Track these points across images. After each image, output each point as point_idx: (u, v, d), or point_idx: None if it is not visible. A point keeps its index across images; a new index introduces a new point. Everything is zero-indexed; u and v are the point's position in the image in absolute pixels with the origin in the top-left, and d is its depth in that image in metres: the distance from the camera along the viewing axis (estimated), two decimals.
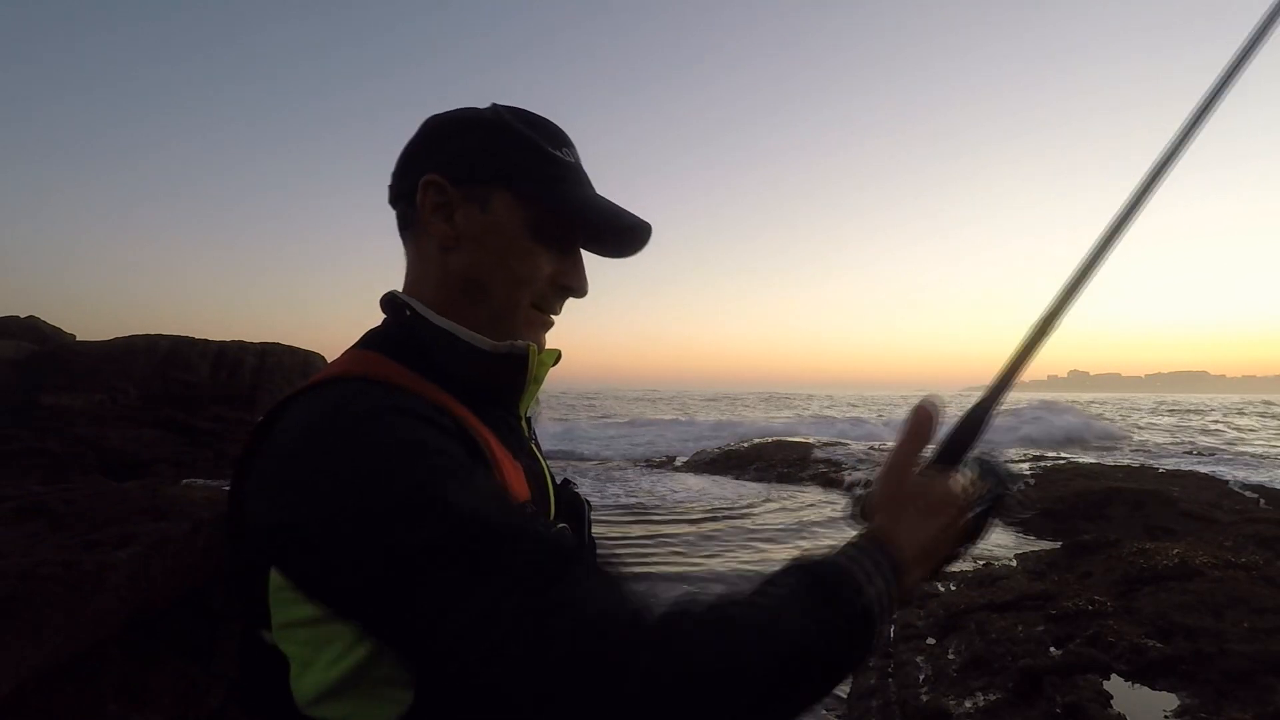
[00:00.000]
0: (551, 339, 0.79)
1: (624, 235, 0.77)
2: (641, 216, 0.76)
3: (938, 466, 0.74)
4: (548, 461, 0.82)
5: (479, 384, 0.70)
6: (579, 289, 0.77)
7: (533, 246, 0.72)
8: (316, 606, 0.55)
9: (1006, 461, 0.79)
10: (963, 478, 0.73)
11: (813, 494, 10.49)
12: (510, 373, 0.72)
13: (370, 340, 0.72)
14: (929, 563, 0.68)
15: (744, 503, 9.57)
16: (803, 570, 0.59)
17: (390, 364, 0.67)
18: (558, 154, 0.73)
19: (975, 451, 0.77)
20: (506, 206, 0.71)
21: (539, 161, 0.72)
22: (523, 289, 0.72)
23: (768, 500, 9.77)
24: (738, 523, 8.15)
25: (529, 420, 0.80)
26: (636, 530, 7.78)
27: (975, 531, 0.75)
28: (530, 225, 0.71)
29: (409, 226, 0.75)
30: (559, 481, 0.82)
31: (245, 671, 0.65)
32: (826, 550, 0.63)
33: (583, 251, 0.78)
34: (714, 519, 8.33)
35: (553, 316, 0.77)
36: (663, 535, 7.46)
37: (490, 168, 0.71)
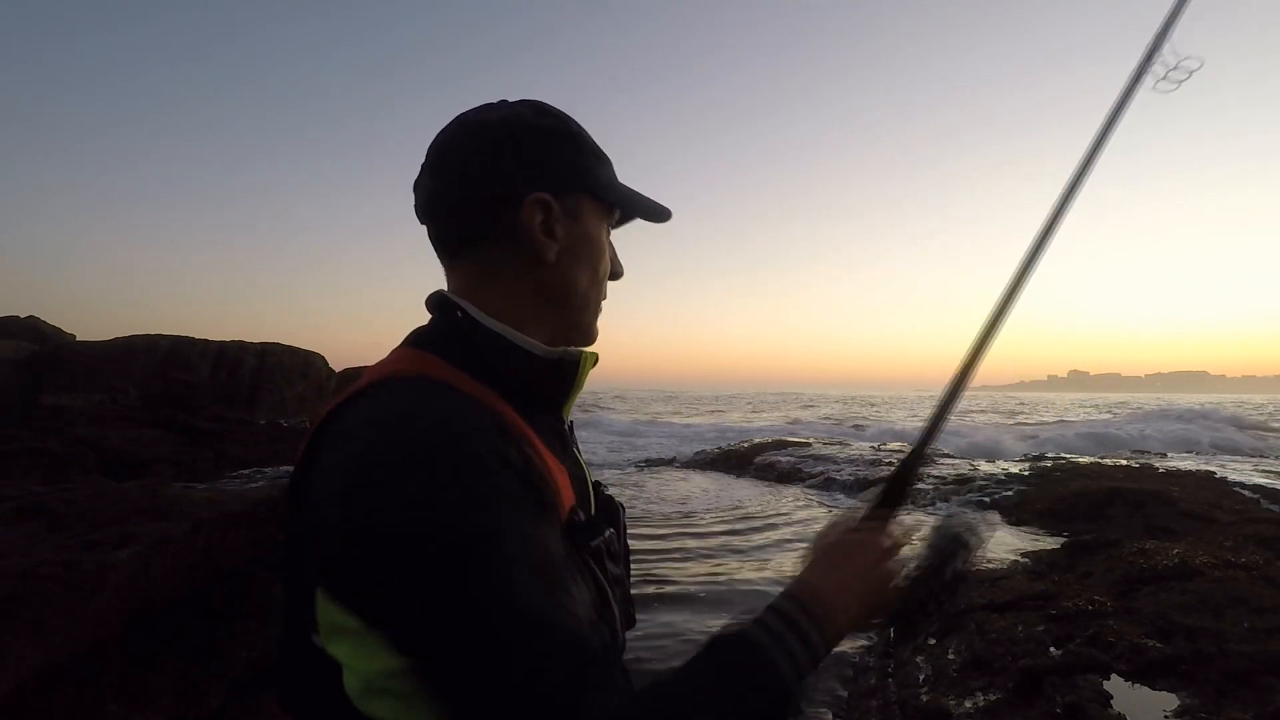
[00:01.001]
0: None
1: (648, 217, 0.82)
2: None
3: (871, 516, 0.80)
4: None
5: (529, 389, 0.70)
6: (620, 272, 0.81)
7: (605, 247, 0.78)
8: (355, 619, 0.56)
9: (970, 522, 0.81)
10: (898, 528, 0.78)
11: (814, 495, 10.50)
12: (560, 379, 0.72)
13: (420, 339, 0.71)
14: (854, 610, 0.70)
15: (745, 510, 9.53)
16: (720, 651, 0.61)
17: (446, 366, 0.66)
18: (597, 147, 0.77)
19: (944, 515, 0.82)
20: (591, 214, 0.75)
21: (599, 163, 0.76)
22: (601, 288, 0.78)
23: (765, 501, 9.76)
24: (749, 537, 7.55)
25: (570, 424, 0.81)
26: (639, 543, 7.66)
27: (926, 597, 0.77)
28: (605, 227, 0.77)
29: (479, 240, 0.72)
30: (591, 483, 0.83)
31: (291, 670, 0.65)
32: (748, 619, 0.64)
33: None
34: (720, 528, 7.94)
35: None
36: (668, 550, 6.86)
37: (576, 178, 0.74)
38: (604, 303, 0.80)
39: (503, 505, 0.55)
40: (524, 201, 0.70)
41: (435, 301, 0.73)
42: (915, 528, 0.81)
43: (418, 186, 0.75)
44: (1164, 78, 0.93)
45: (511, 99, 0.76)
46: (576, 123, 0.76)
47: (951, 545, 0.80)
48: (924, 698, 3.31)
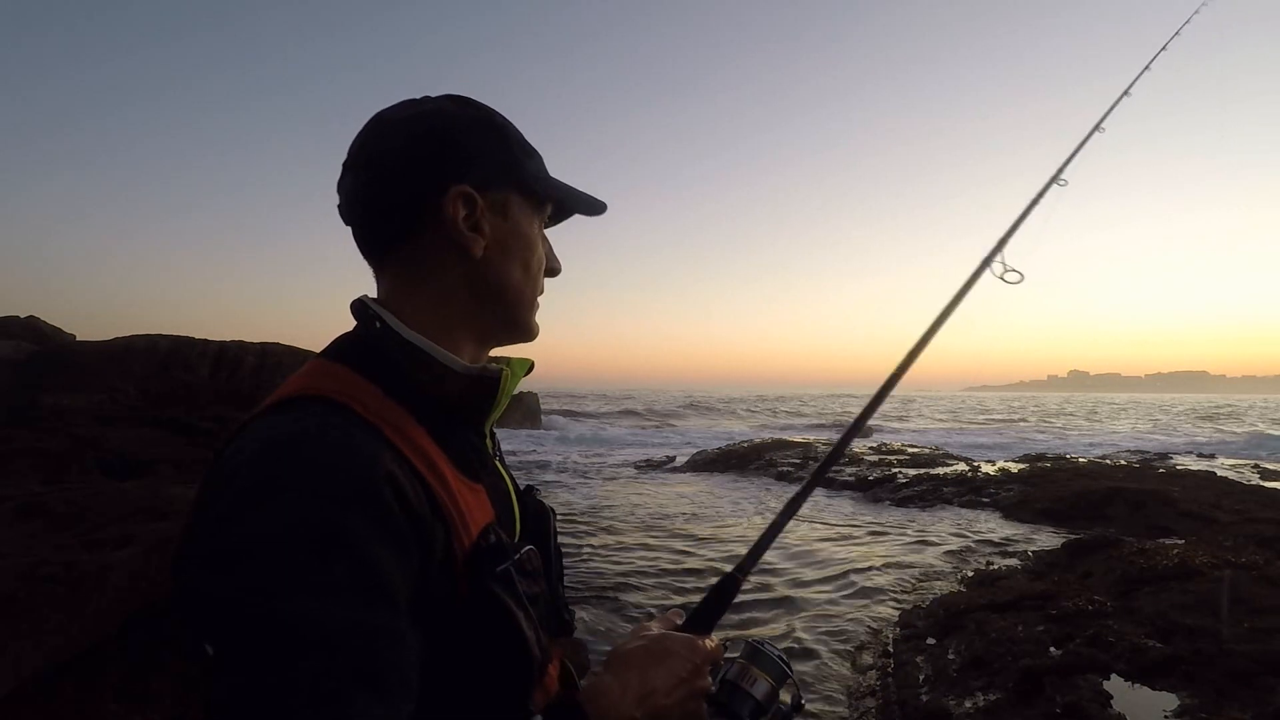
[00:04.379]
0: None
1: (584, 211, 0.83)
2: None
3: (688, 627, 0.78)
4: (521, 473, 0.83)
5: (446, 405, 0.68)
6: (558, 268, 0.80)
7: (538, 242, 0.76)
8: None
9: (780, 656, 0.82)
10: (712, 644, 0.75)
11: (818, 495, 10.49)
12: (480, 394, 0.70)
13: (338, 350, 0.69)
14: (654, 719, 0.67)
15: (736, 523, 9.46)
16: None
17: (358, 381, 0.64)
18: (526, 142, 0.76)
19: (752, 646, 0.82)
20: (520, 209, 0.73)
21: (527, 157, 0.74)
22: (536, 284, 0.76)
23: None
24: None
25: (493, 434, 0.79)
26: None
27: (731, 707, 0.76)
28: (536, 223, 0.75)
29: (404, 240, 0.70)
30: (523, 488, 0.83)
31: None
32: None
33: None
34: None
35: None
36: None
37: (503, 172, 0.72)
38: (540, 299, 0.80)
39: (338, 590, 0.52)
40: (447, 195, 0.68)
41: (357, 309, 0.71)
42: (727, 648, 0.79)
43: (340, 187, 0.72)
44: (1000, 276, 1.21)
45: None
46: (502, 116, 0.74)
47: (765, 674, 0.78)
48: (924, 697, 3.31)
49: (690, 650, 0.71)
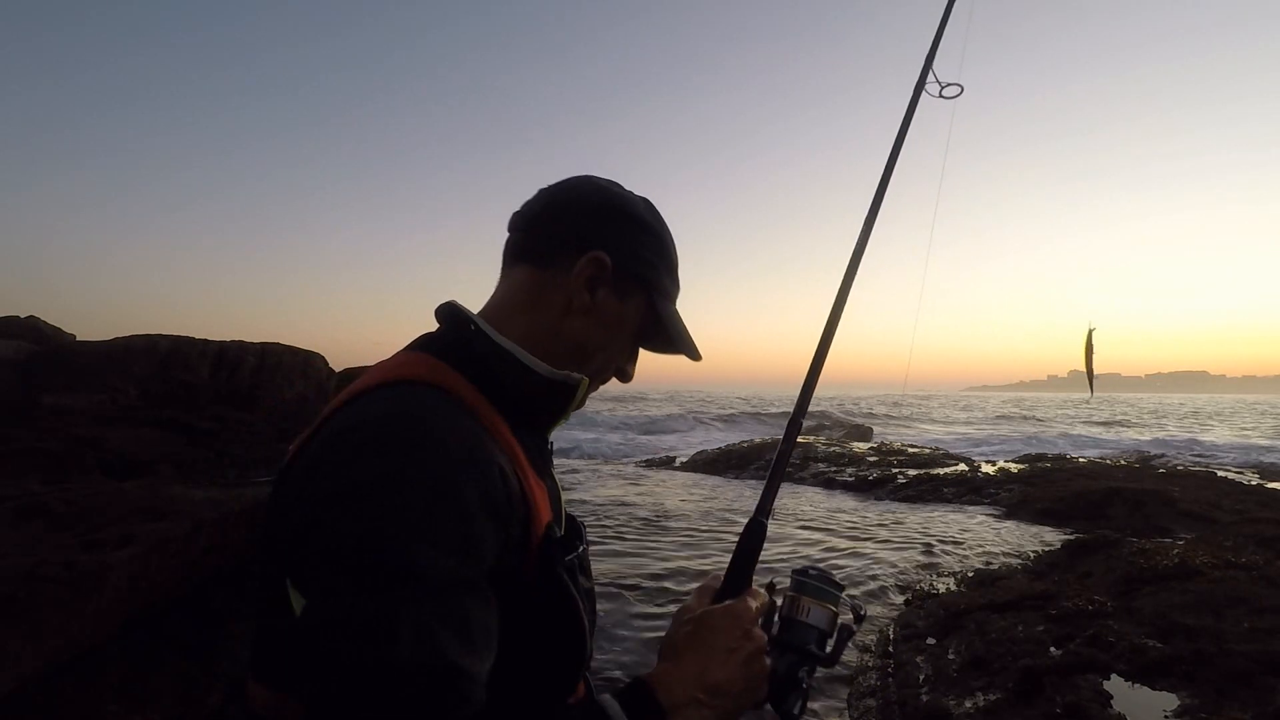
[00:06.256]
0: None
1: (681, 352, 0.87)
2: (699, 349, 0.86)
3: (725, 597, 0.79)
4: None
5: (525, 406, 0.74)
6: (627, 376, 0.87)
7: (631, 343, 0.84)
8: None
9: (828, 578, 0.82)
10: (754, 600, 0.75)
11: (818, 495, 10.50)
12: (559, 399, 0.76)
13: (426, 345, 0.75)
14: (718, 694, 0.67)
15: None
16: None
17: (450, 372, 0.70)
18: (678, 276, 0.86)
19: (804, 575, 0.82)
20: (638, 308, 0.81)
21: (670, 283, 0.84)
22: (608, 371, 0.83)
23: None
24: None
25: (551, 445, 0.86)
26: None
27: (796, 663, 0.76)
28: (641, 329, 0.83)
29: (537, 263, 0.79)
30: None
31: (269, 646, 0.67)
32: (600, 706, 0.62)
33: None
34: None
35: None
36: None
37: (642, 270, 0.80)
38: (601, 385, 0.85)
39: (445, 543, 0.56)
40: (588, 252, 0.77)
41: (445, 312, 0.78)
42: (776, 586, 0.82)
43: (529, 203, 0.83)
44: (939, 95, 1.15)
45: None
46: (673, 242, 0.86)
47: (817, 600, 0.80)
48: (924, 697, 3.31)
49: (730, 618, 0.72)
